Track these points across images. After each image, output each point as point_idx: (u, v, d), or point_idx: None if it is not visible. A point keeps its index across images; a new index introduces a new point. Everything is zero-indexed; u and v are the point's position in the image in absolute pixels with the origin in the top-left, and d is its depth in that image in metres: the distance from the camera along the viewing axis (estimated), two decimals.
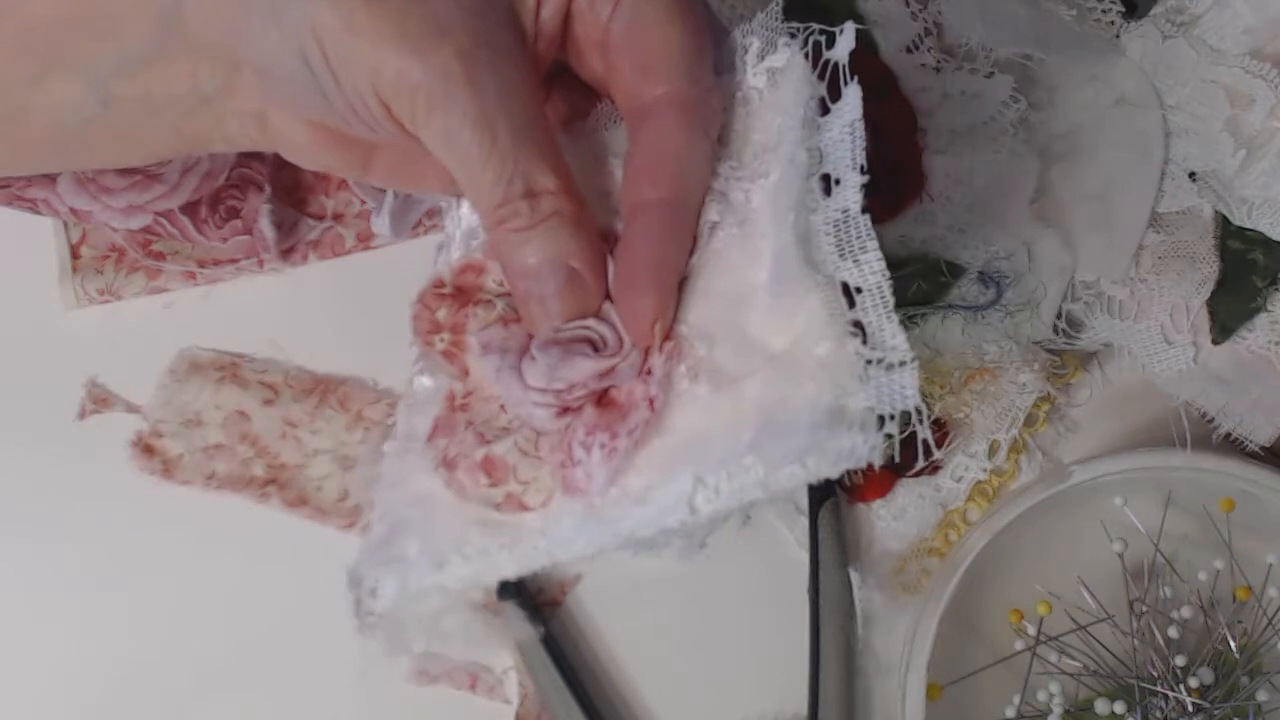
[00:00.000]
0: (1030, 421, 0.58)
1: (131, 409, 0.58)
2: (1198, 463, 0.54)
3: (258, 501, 0.57)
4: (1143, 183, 0.58)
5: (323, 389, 0.58)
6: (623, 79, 0.41)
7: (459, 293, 0.42)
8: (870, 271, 0.37)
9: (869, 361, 0.36)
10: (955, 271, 0.56)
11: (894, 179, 0.56)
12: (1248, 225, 0.57)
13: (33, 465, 0.57)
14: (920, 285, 0.56)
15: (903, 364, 0.36)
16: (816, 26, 0.40)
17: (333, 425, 0.58)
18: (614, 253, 0.41)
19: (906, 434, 0.55)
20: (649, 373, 0.39)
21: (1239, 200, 0.57)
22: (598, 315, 0.40)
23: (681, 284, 0.40)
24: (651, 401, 0.38)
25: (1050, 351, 0.57)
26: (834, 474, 0.36)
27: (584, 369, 0.39)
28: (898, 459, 0.56)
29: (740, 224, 0.40)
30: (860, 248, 0.38)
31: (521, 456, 0.40)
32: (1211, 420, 0.57)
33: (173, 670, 0.57)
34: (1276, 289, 0.57)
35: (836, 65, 0.40)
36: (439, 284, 0.42)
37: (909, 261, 0.56)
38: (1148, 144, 0.58)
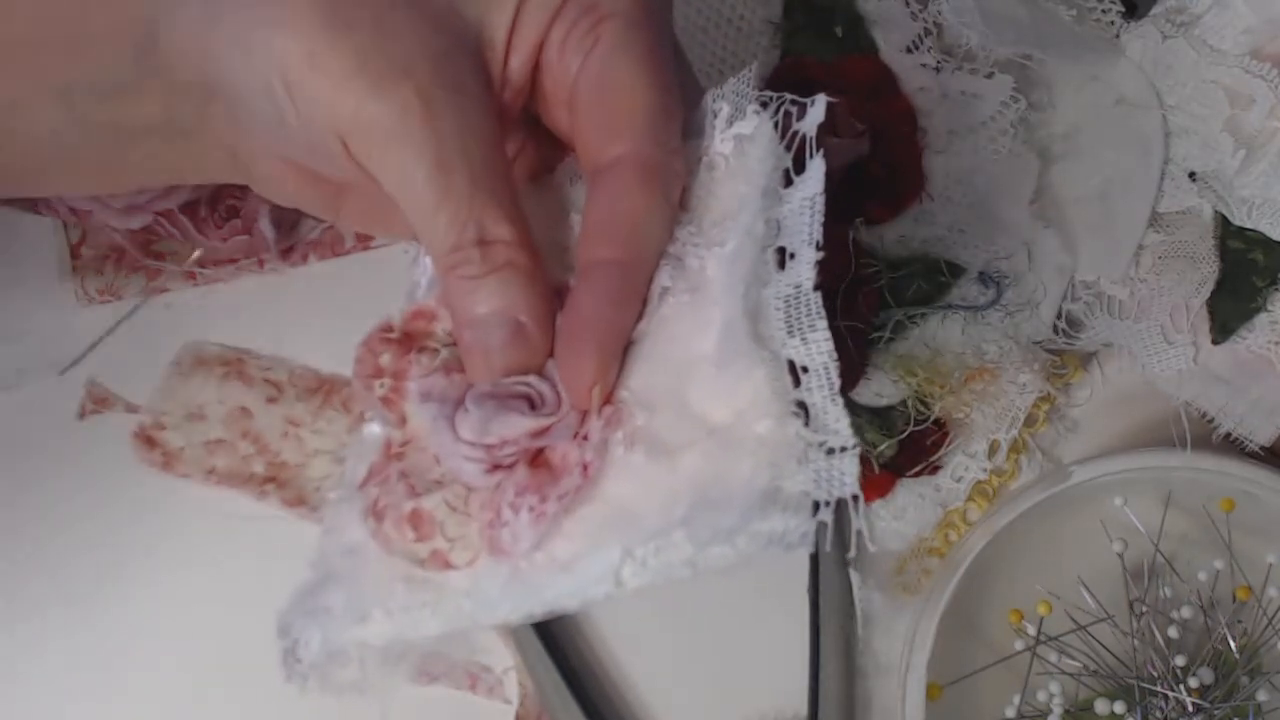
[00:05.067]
0: (1030, 421, 0.58)
1: (131, 409, 0.58)
2: (1198, 463, 0.54)
3: (256, 499, 0.57)
4: (1143, 183, 0.58)
5: (327, 389, 0.58)
6: (586, 134, 0.40)
7: (406, 338, 0.41)
8: (818, 351, 0.36)
9: (809, 444, 0.35)
10: (955, 271, 0.56)
11: (894, 179, 0.56)
12: (1248, 225, 0.57)
13: (32, 465, 0.58)
14: (920, 285, 0.56)
15: (843, 449, 0.35)
16: (788, 96, 0.40)
17: (335, 426, 0.58)
18: (562, 310, 0.40)
19: (907, 434, 0.56)
20: (585, 437, 0.38)
21: (1239, 200, 0.57)
22: (540, 372, 0.40)
23: (627, 348, 0.39)
24: (585, 467, 0.37)
25: (1050, 351, 0.57)
26: (763, 556, 0.35)
27: (517, 426, 0.38)
28: (897, 459, 0.57)
29: (692, 291, 0.39)
30: (809, 325, 0.37)
31: (450, 512, 0.39)
32: (1211, 420, 0.57)
33: (170, 668, 0.57)
34: (1276, 289, 0.57)
35: (805, 136, 0.39)
36: (387, 328, 0.41)
37: (909, 261, 0.56)
38: (1148, 144, 0.58)
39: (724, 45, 0.58)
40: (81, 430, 0.58)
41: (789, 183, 0.39)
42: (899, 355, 0.56)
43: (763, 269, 0.38)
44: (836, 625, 0.56)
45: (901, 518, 0.58)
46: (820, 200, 0.38)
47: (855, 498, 0.35)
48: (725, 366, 0.37)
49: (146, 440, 0.58)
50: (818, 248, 0.37)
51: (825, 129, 0.54)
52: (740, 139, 0.40)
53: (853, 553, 0.35)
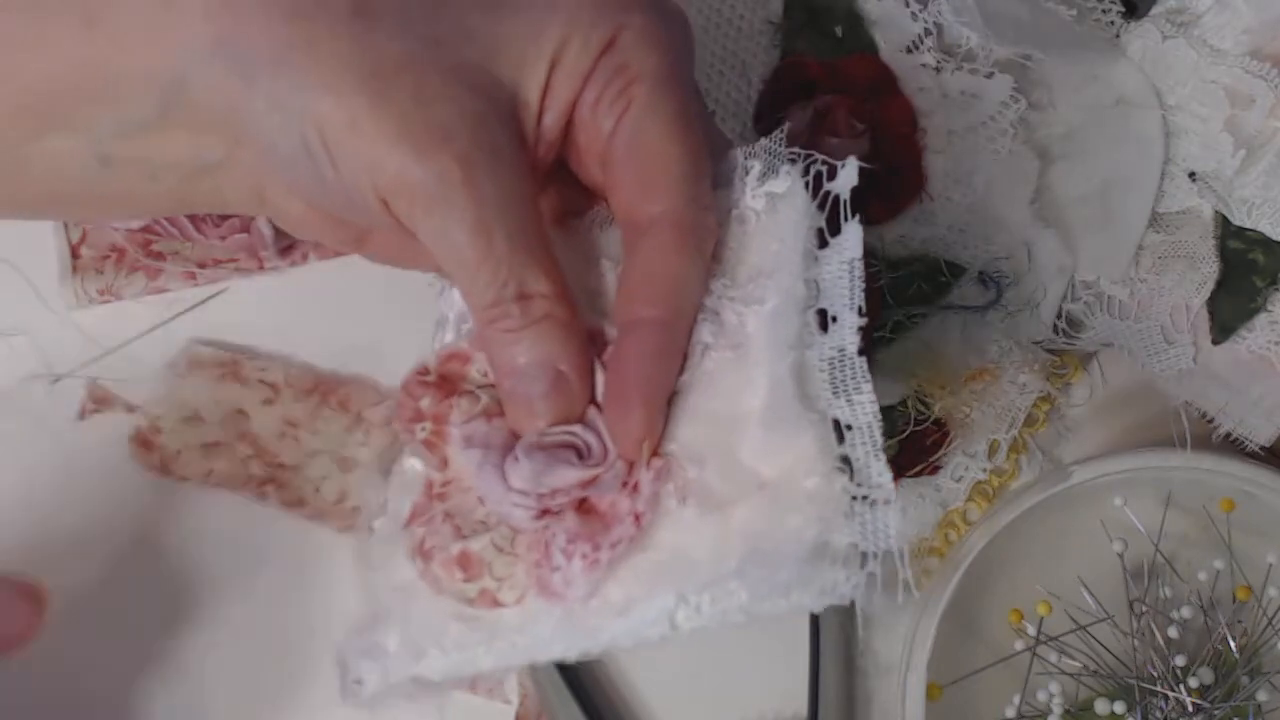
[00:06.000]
0: (1030, 421, 0.58)
1: (131, 409, 0.58)
2: (1198, 463, 0.54)
3: (255, 500, 0.57)
4: (1143, 183, 0.58)
5: (323, 389, 0.58)
6: (621, 192, 0.41)
7: (443, 382, 0.42)
8: (863, 412, 0.38)
9: (854, 498, 0.37)
10: (955, 271, 0.56)
11: (894, 179, 0.56)
12: (1248, 225, 0.57)
13: (32, 465, 0.58)
14: (920, 285, 0.56)
15: (887, 502, 0.36)
16: (819, 156, 0.41)
17: (333, 426, 0.58)
18: (605, 365, 0.41)
19: (907, 434, 0.56)
20: (635, 488, 0.39)
21: (1239, 200, 0.57)
22: (583, 421, 0.41)
23: (670, 400, 0.40)
24: (638, 518, 0.38)
25: (1050, 351, 0.57)
26: (816, 608, 0.36)
27: (568, 476, 0.39)
28: (898, 459, 0.56)
29: (734, 348, 0.40)
30: (855, 388, 0.38)
31: (497, 553, 0.40)
32: (1211, 420, 0.57)
33: (168, 666, 0.57)
34: (1276, 289, 0.57)
35: (837, 196, 0.40)
36: (423, 372, 0.42)
37: (909, 261, 0.56)
38: (1148, 144, 0.58)
39: (724, 45, 0.58)
40: (81, 430, 0.58)
41: (823, 243, 0.40)
42: (899, 355, 0.56)
43: (805, 331, 0.39)
44: (836, 625, 0.56)
45: (901, 518, 0.57)
46: (859, 265, 0.39)
47: (901, 551, 0.36)
48: (773, 427, 0.38)
49: (144, 443, 0.58)
50: (860, 312, 0.39)
51: (825, 129, 0.55)
52: (772, 196, 0.41)
53: (900, 600, 0.36)
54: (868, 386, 0.38)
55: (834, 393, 0.38)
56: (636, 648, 0.38)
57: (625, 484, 0.40)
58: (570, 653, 0.38)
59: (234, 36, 0.38)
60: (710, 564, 0.37)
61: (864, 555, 0.36)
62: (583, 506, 0.40)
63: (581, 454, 0.40)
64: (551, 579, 0.38)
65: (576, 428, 0.40)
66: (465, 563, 0.40)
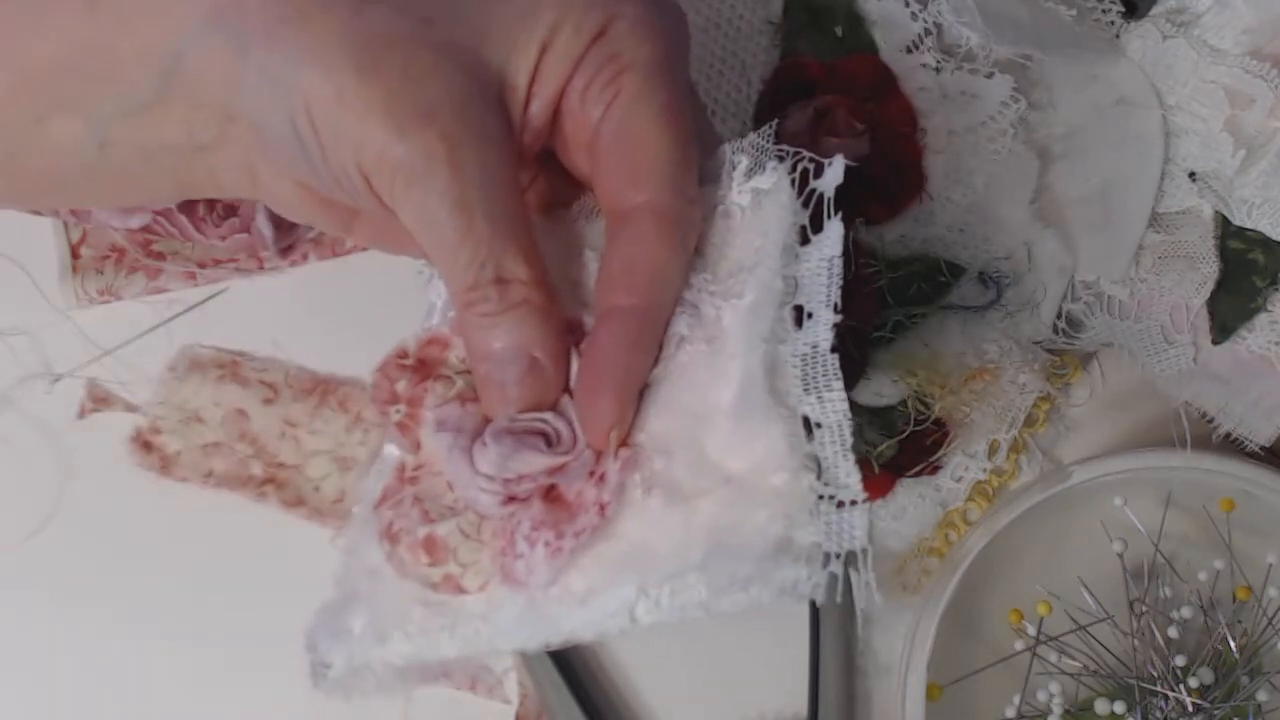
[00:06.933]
0: (1030, 421, 0.58)
1: (130, 408, 0.58)
2: (1198, 463, 0.54)
3: (255, 500, 0.57)
4: (1143, 183, 0.58)
5: (323, 389, 0.58)
6: (607, 181, 0.41)
7: (420, 365, 0.42)
8: (833, 410, 0.38)
9: (821, 497, 0.36)
10: (955, 271, 0.56)
11: (894, 179, 0.56)
12: (1248, 225, 0.57)
13: (32, 464, 0.57)
14: (920, 285, 0.56)
15: (853, 503, 0.36)
16: (806, 154, 0.41)
17: (332, 426, 0.58)
18: (580, 352, 0.41)
19: (907, 434, 0.56)
20: (602, 478, 0.39)
21: (1239, 200, 0.57)
22: (555, 409, 0.41)
23: (643, 392, 0.40)
24: (603, 507, 0.38)
25: (1050, 351, 0.57)
26: (774, 604, 0.36)
27: (535, 463, 0.39)
28: (897, 459, 0.56)
29: (709, 341, 0.40)
30: (826, 385, 0.38)
31: (463, 539, 0.40)
32: (1211, 420, 0.57)
33: (169, 668, 0.57)
34: (1276, 289, 0.57)
35: (822, 195, 0.40)
36: (402, 354, 0.42)
37: (909, 261, 0.56)
38: (1148, 144, 0.58)
39: (724, 45, 0.58)
40: (81, 430, 0.58)
41: (805, 240, 0.40)
42: (899, 355, 0.56)
43: (780, 326, 0.39)
44: (836, 625, 0.56)
45: (901, 518, 0.58)
46: (838, 263, 0.39)
47: (865, 551, 0.36)
48: (742, 420, 0.38)
49: (144, 445, 0.58)
50: (836, 309, 0.39)
51: (825, 129, 0.55)
52: (758, 192, 0.41)
53: (862, 605, 0.36)
54: (839, 385, 0.38)
55: (805, 389, 0.38)
56: (597, 639, 0.38)
57: (592, 473, 0.39)
58: (532, 642, 0.38)
59: (230, 10, 0.38)
60: (673, 556, 0.37)
61: (826, 555, 0.36)
62: (549, 495, 0.40)
63: (550, 441, 0.40)
64: (514, 566, 0.38)
65: (547, 415, 0.40)
66: (431, 547, 0.39)
